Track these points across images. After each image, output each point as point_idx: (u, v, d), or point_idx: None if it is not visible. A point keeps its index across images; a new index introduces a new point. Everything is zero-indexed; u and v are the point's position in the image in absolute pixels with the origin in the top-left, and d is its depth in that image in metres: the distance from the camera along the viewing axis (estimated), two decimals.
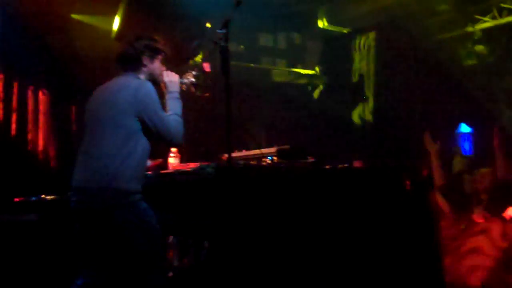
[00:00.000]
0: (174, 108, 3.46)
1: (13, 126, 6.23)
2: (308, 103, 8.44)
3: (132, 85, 3.34)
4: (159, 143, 3.44)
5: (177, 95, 3.52)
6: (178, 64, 3.90)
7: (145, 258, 3.28)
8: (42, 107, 6.55)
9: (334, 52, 8.84)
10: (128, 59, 3.48)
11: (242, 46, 7.81)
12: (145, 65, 3.49)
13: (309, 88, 8.69)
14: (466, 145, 9.46)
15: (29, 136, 6.38)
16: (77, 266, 3.43)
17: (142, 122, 3.29)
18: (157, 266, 3.32)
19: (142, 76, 3.48)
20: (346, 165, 3.81)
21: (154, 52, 3.52)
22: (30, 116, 6.40)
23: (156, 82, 3.51)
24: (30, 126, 6.40)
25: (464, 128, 9.43)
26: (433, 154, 5.44)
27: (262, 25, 8.01)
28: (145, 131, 3.32)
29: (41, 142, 6.51)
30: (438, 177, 5.32)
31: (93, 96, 3.51)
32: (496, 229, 4.94)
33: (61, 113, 6.70)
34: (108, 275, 3.40)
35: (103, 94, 3.46)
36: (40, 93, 6.56)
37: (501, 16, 7.86)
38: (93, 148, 3.32)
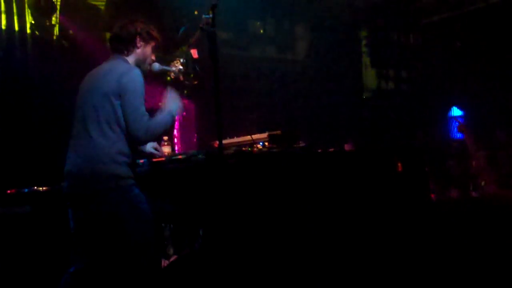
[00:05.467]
0: (163, 119, 3.42)
1: None
2: (299, 88, 8.44)
3: (119, 69, 3.34)
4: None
5: (173, 114, 3.48)
6: (166, 52, 3.89)
7: (136, 243, 3.29)
8: None
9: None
10: (123, 39, 3.48)
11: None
12: (138, 47, 3.50)
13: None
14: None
15: None
16: (70, 254, 3.44)
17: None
18: (149, 252, 3.33)
19: (131, 59, 3.48)
20: (337, 148, 3.82)
21: (148, 37, 3.53)
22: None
23: (142, 68, 3.50)
24: None
25: (456, 111, 9.47)
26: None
27: (251, 12, 7.98)
28: None
29: None
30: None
31: (83, 81, 3.51)
32: None
33: None
34: (100, 261, 3.41)
35: (91, 79, 3.46)
36: None
37: None
38: (83, 133, 3.33)
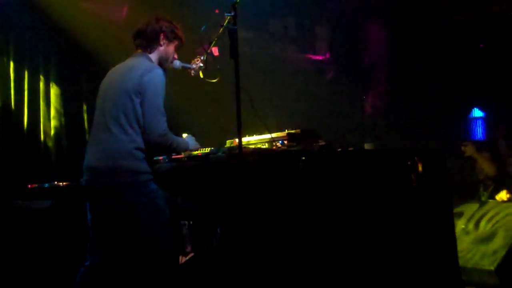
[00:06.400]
0: (182, 141, 3.57)
1: (25, 115, 6.21)
2: (319, 88, 8.41)
3: (142, 67, 3.37)
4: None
5: (189, 146, 3.63)
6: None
7: (152, 238, 3.31)
8: (53, 100, 6.48)
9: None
10: (148, 35, 3.53)
11: None
12: (161, 45, 3.54)
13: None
14: (479, 130, 9.41)
15: (41, 127, 6.33)
16: (86, 248, 3.47)
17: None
18: (165, 247, 3.34)
19: (154, 57, 3.52)
20: (357, 147, 3.80)
21: (172, 35, 3.57)
22: (41, 107, 6.34)
23: (164, 66, 3.53)
24: (42, 117, 6.33)
25: (477, 113, 9.38)
26: (475, 155, 5.52)
27: (272, 11, 7.97)
28: None
29: (52, 133, 6.43)
30: (489, 169, 5.40)
31: (106, 76, 3.55)
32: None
33: (72, 108, 6.61)
34: (116, 255, 3.44)
35: (114, 75, 3.50)
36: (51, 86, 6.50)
37: None
38: (103, 128, 3.36)
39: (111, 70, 3.57)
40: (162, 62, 3.56)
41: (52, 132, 6.40)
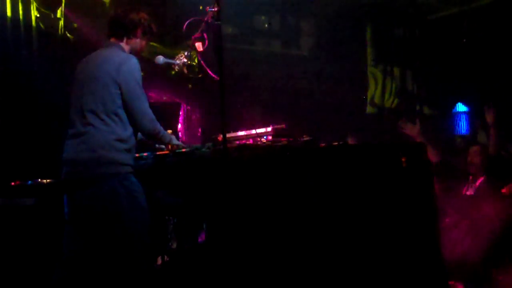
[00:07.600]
0: (168, 133, 3.61)
1: None
2: (304, 83, 8.42)
3: (117, 58, 3.37)
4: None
5: (172, 140, 3.65)
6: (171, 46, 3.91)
7: (129, 231, 3.29)
8: None
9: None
10: (126, 25, 3.51)
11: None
12: (137, 37, 3.53)
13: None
14: (463, 125, 9.47)
15: None
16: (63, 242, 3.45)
17: (122, 96, 3.32)
18: (142, 241, 3.34)
19: (127, 47, 3.51)
20: (340, 142, 3.81)
21: (148, 30, 3.56)
22: None
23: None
24: None
25: (461, 107, 9.44)
26: (417, 136, 5.51)
27: (256, 6, 7.97)
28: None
29: None
30: (430, 155, 5.36)
31: (78, 67, 3.53)
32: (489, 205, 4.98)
33: None
34: (92, 248, 3.42)
35: (88, 67, 3.48)
36: None
37: None
38: (82, 121, 3.36)
39: (84, 62, 3.54)
40: (133, 54, 3.55)
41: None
